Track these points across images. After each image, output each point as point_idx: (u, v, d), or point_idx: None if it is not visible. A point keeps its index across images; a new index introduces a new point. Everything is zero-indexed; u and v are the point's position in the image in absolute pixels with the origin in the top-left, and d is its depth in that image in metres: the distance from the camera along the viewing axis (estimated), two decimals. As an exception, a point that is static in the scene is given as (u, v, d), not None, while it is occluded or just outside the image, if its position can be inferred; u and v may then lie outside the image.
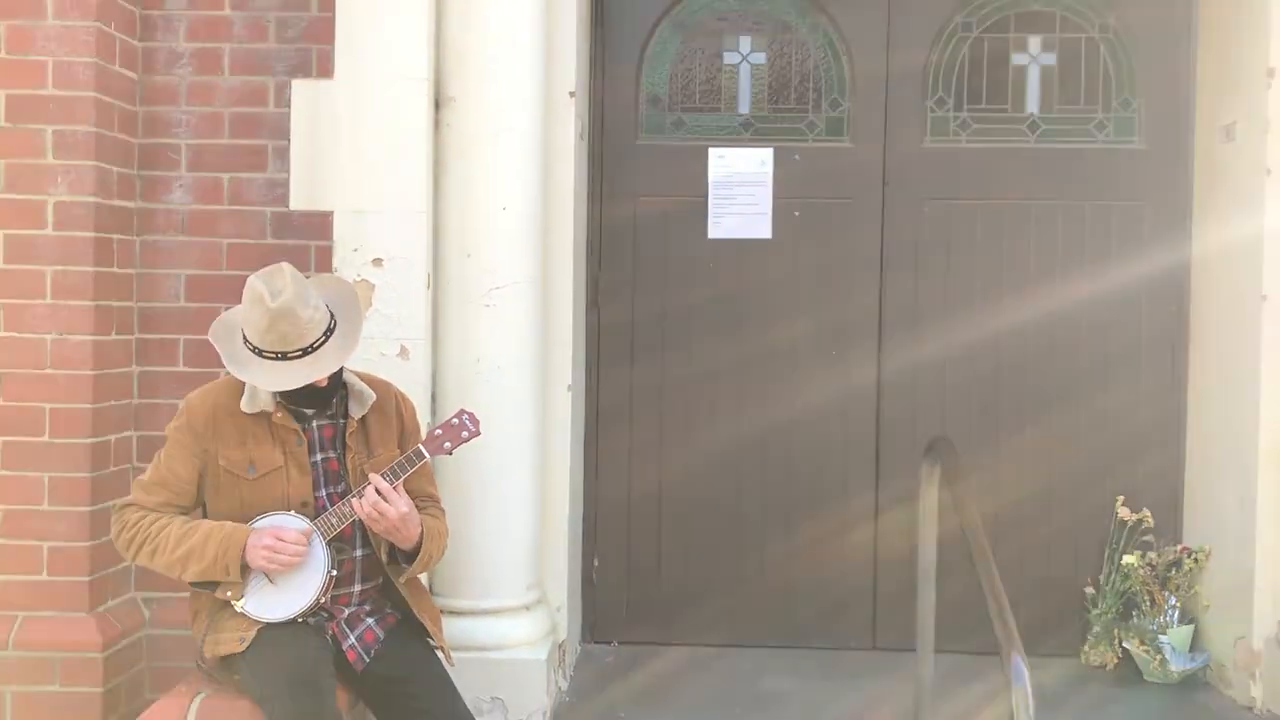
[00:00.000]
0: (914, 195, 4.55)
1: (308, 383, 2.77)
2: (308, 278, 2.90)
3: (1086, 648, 4.38)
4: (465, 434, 2.93)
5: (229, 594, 2.81)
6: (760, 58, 4.61)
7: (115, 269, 3.59)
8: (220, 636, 2.82)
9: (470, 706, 3.42)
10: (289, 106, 3.73)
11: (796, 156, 4.56)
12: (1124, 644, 4.30)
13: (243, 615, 2.81)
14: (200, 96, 3.75)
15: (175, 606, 3.66)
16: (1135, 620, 4.33)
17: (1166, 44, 4.50)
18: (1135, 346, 4.53)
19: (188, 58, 3.74)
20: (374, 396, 2.97)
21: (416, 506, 2.94)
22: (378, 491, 2.77)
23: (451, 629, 3.66)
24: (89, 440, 3.49)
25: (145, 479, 2.90)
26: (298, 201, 3.74)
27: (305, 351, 2.75)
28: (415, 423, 3.12)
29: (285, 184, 3.74)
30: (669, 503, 4.61)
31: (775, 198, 4.55)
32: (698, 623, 4.60)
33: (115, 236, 3.59)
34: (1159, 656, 4.20)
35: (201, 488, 2.90)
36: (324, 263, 3.70)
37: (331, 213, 3.71)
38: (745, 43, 4.61)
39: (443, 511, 3.12)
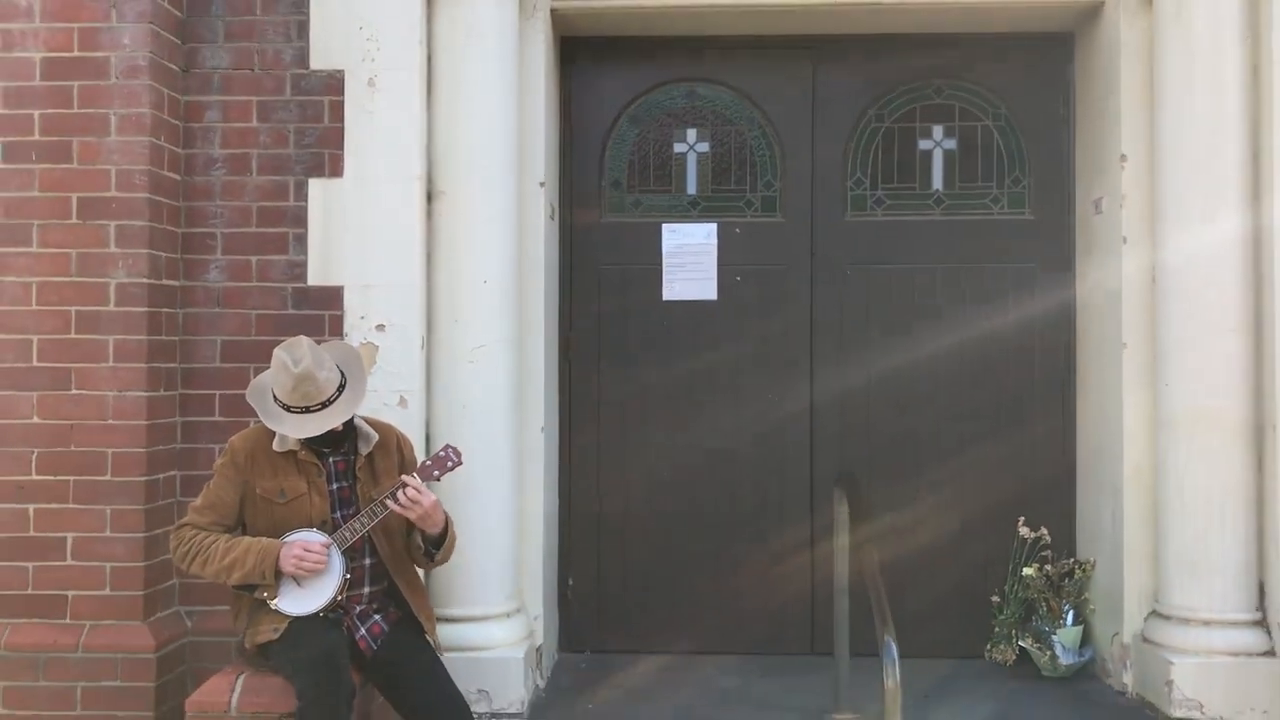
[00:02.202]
0: (838, 262, 5.27)
1: (326, 429, 3.51)
2: (320, 344, 3.66)
3: (989, 647, 5.04)
4: (450, 464, 3.66)
5: (265, 594, 3.54)
6: (705, 146, 5.36)
7: (164, 337, 4.32)
8: (258, 629, 3.54)
9: None
10: (306, 200, 4.45)
11: (737, 230, 5.30)
12: (1020, 643, 4.97)
13: (276, 611, 3.53)
14: (232, 193, 4.47)
15: (211, 617, 4.36)
16: (1034, 624, 5.01)
17: (1049, 131, 5.24)
18: (1031, 384, 5.22)
19: (222, 161, 4.48)
20: (377, 437, 3.72)
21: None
22: (414, 487, 3.50)
23: (445, 632, 4.38)
24: (143, 479, 4.19)
25: (198, 504, 3.65)
26: (314, 278, 4.45)
27: (324, 405, 3.50)
28: (413, 456, 3.87)
29: (303, 264, 4.45)
30: (634, 526, 5.28)
31: (720, 265, 5.27)
32: (661, 633, 5.26)
33: (164, 310, 4.33)
34: (1049, 653, 4.88)
35: (242, 511, 3.64)
36: (336, 329, 4.42)
37: (342, 287, 4.44)
38: (692, 134, 5.36)
39: None
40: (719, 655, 5.21)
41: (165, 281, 4.34)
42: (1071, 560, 5.06)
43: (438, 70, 4.51)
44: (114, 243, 4.20)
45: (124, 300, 4.20)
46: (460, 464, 3.68)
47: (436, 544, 3.67)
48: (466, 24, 4.48)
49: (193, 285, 4.48)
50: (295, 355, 3.49)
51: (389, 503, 3.51)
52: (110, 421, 4.20)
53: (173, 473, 4.39)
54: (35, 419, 4.20)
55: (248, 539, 3.57)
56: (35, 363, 4.20)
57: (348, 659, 3.47)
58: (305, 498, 3.61)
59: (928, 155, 5.33)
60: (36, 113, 4.21)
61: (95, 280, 4.20)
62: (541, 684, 4.78)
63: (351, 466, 3.69)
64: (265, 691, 3.43)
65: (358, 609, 3.67)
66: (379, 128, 4.44)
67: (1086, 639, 4.97)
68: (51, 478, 4.20)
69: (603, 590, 5.31)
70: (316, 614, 3.53)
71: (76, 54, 4.22)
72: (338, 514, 3.64)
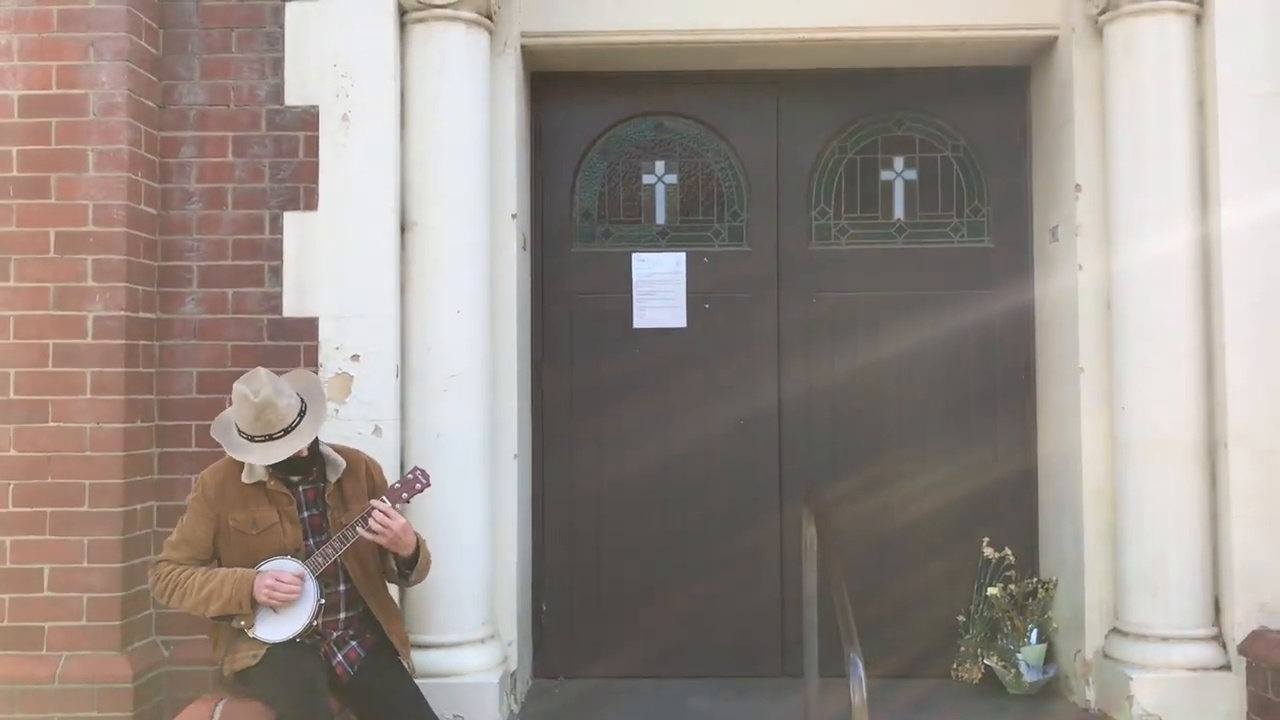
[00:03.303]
0: (803, 289, 5.39)
1: (291, 454, 3.58)
2: (280, 374, 3.73)
3: (955, 665, 5.14)
4: (419, 485, 3.74)
5: (242, 623, 3.60)
6: (673, 178, 5.49)
7: (141, 369, 4.37)
8: (236, 655, 3.59)
9: None
10: (282, 233, 4.52)
11: (705, 259, 5.42)
12: (986, 661, 5.07)
13: (254, 639, 3.59)
14: (208, 227, 4.53)
15: (188, 647, 4.39)
16: (999, 642, 5.11)
17: (1007, 162, 5.40)
18: (993, 408, 5.35)
19: (198, 196, 4.54)
20: (344, 464, 3.79)
21: (389, 546, 3.77)
22: (382, 511, 3.57)
23: (420, 658, 4.42)
24: (120, 509, 4.23)
25: (173, 540, 3.71)
26: (290, 310, 4.51)
27: (286, 431, 3.57)
28: (383, 479, 3.94)
29: (279, 296, 4.51)
30: (607, 552, 5.36)
31: (689, 293, 5.39)
32: (635, 658, 5.33)
33: (141, 343, 4.38)
34: (1014, 671, 4.98)
35: (216, 543, 3.70)
36: (311, 359, 4.49)
37: (317, 318, 4.51)
38: (660, 166, 5.49)
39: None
40: (693, 679, 5.27)
41: (142, 314, 4.39)
42: (1035, 579, 5.18)
43: (410, 104, 4.60)
44: (91, 277, 4.26)
45: (101, 333, 4.25)
46: (429, 485, 3.76)
47: (410, 564, 3.73)
48: (439, 60, 4.59)
49: (170, 318, 4.54)
50: (254, 386, 3.57)
51: (359, 529, 3.58)
52: (88, 453, 4.24)
53: (150, 503, 4.43)
54: (12, 451, 4.24)
55: (224, 570, 3.62)
56: (13, 395, 4.24)
57: (325, 681, 3.53)
58: (277, 527, 3.67)
59: (889, 185, 5.48)
60: (15, 149, 4.28)
61: (73, 314, 4.25)
62: (516, 709, 4.83)
63: (321, 494, 3.76)
64: (244, 717, 3.48)
65: (334, 634, 3.73)
66: (353, 161, 4.53)
67: (1050, 656, 5.07)
68: (29, 509, 4.23)
69: (576, 616, 5.37)
70: (293, 640, 3.59)
71: (55, 91, 4.29)
72: (310, 541, 3.70)
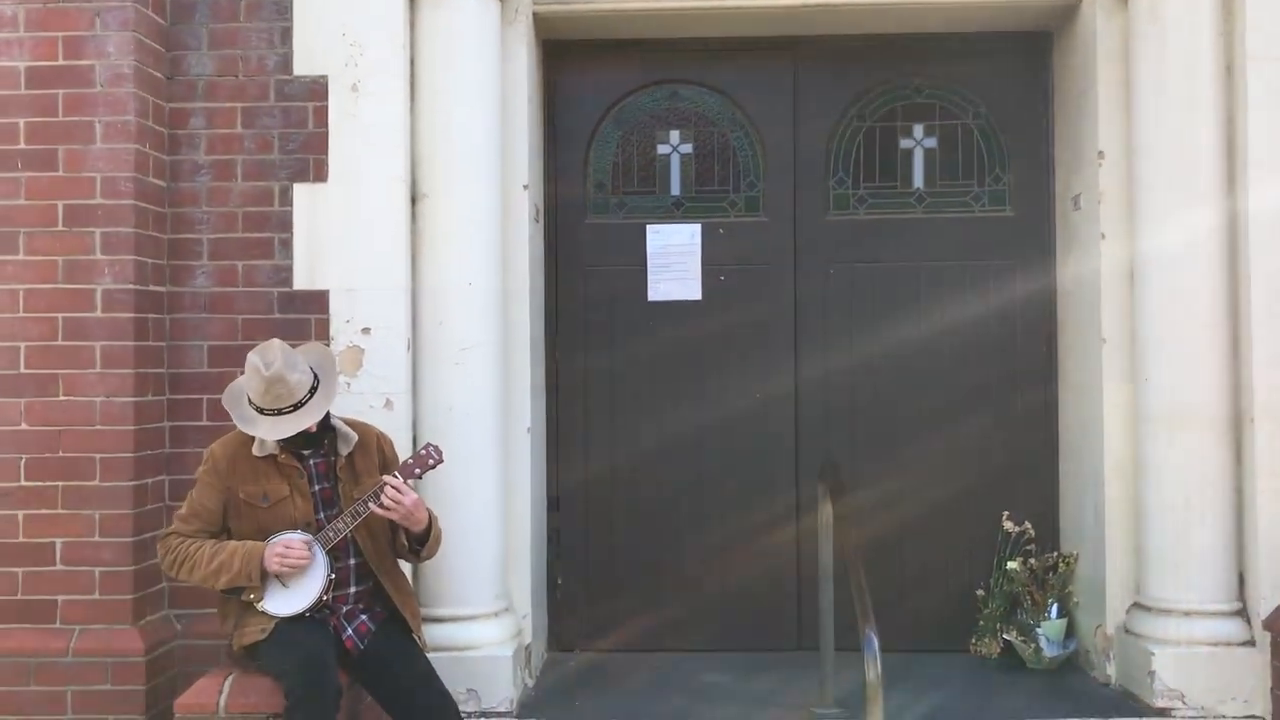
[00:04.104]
0: (821, 260, 5.32)
1: (300, 430, 3.55)
2: (295, 347, 3.69)
3: (974, 640, 5.09)
4: (431, 462, 3.70)
5: (252, 596, 3.57)
6: (688, 148, 5.41)
7: (150, 342, 4.35)
8: (245, 630, 3.58)
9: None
10: (291, 205, 4.48)
11: (721, 230, 5.35)
12: (1005, 636, 5.01)
13: (263, 613, 3.57)
14: (218, 199, 4.50)
15: (201, 620, 4.38)
16: (1019, 617, 5.06)
17: (1029, 129, 5.29)
18: (1013, 380, 5.27)
19: (207, 168, 4.50)
20: (356, 437, 3.76)
21: (400, 520, 3.73)
22: (394, 487, 3.53)
23: (434, 632, 4.42)
24: (131, 483, 4.22)
25: (182, 512, 3.69)
26: (300, 283, 4.48)
27: (296, 406, 3.54)
28: (395, 454, 3.91)
29: (289, 269, 4.48)
30: (622, 525, 5.32)
31: (704, 265, 5.32)
32: (651, 631, 5.30)
33: (151, 316, 4.35)
34: (1033, 645, 4.93)
35: (226, 516, 3.68)
36: (322, 332, 4.46)
37: (328, 291, 4.48)
38: (675, 135, 5.41)
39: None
40: (709, 653, 5.25)
41: (152, 287, 4.36)
42: (1055, 554, 5.11)
43: (420, 74, 4.55)
44: (100, 249, 4.23)
45: (110, 306, 4.23)
46: (441, 461, 3.72)
47: (422, 540, 3.70)
48: (448, 29, 4.52)
49: (180, 291, 4.51)
50: (267, 358, 3.53)
51: (371, 504, 3.54)
52: (98, 427, 4.22)
53: (161, 477, 4.42)
54: (24, 425, 4.23)
55: (233, 543, 3.60)
56: (23, 369, 4.23)
57: (334, 659, 3.50)
58: (288, 500, 3.64)
59: (909, 154, 5.38)
60: (22, 121, 4.25)
61: (82, 287, 4.23)
62: (530, 683, 4.81)
63: (332, 468, 3.73)
64: (253, 692, 3.46)
65: (344, 609, 3.70)
66: (363, 132, 4.48)
67: (1070, 631, 5.01)
68: (40, 483, 4.22)
69: (592, 589, 5.35)
70: (303, 614, 3.56)
71: (61, 63, 4.25)
72: (321, 515, 3.67)
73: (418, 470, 3.69)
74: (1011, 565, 5.07)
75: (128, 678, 4.15)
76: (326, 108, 4.49)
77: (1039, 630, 4.94)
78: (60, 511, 4.22)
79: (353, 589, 3.73)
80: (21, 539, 4.22)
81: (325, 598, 3.60)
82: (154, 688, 4.21)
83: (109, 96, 4.24)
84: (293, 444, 3.66)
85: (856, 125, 5.37)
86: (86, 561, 4.22)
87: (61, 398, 4.23)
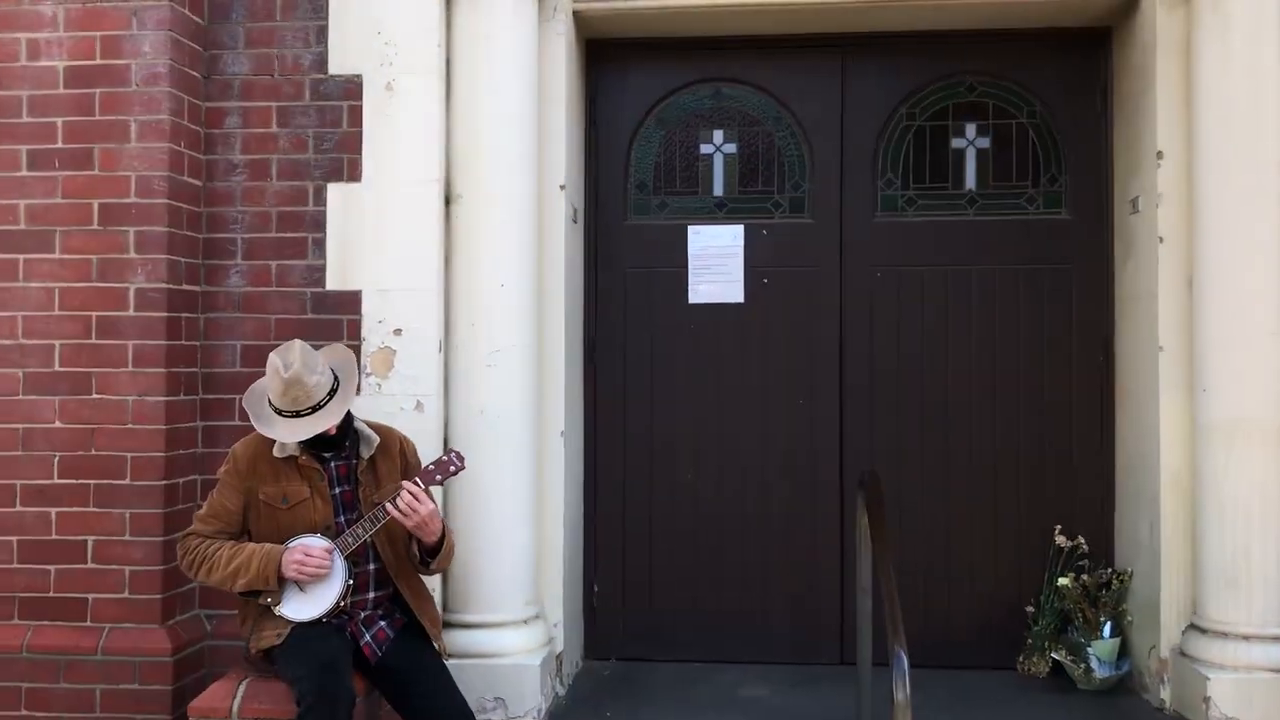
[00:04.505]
0: (867, 263, 5.17)
1: (317, 433, 3.50)
2: (317, 348, 3.65)
3: (1021, 658, 4.91)
4: (453, 468, 3.63)
5: (269, 600, 3.54)
6: (731, 147, 5.29)
7: (183, 341, 4.34)
8: (262, 634, 3.54)
9: (475, 705, 4.14)
10: (325, 205, 4.45)
11: (764, 231, 5.22)
12: (1054, 655, 4.83)
13: (280, 617, 3.53)
14: (252, 198, 4.49)
15: (232, 621, 4.34)
16: (1070, 635, 4.87)
17: (1086, 128, 5.09)
18: (1068, 389, 5.08)
19: (242, 167, 4.49)
20: (378, 440, 3.70)
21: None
22: (411, 494, 3.48)
23: (461, 638, 4.37)
24: (162, 482, 4.21)
25: (202, 513, 3.67)
26: (332, 283, 4.45)
27: (314, 409, 3.49)
28: (417, 459, 3.84)
29: (322, 269, 4.45)
30: (661, 532, 5.22)
31: (747, 267, 5.20)
32: (688, 641, 5.20)
33: (184, 315, 4.35)
34: (1083, 666, 4.74)
35: (246, 517, 3.64)
36: (354, 333, 4.42)
37: (360, 291, 4.45)
38: (718, 135, 5.30)
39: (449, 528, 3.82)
40: (747, 665, 5.12)
41: (185, 287, 4.36)
42: (1109, 570, 4.92)
43: (456, 74, 4.50)
44: (133, 248, 4.24)
45: (143, 305, 4.23)
46: (463, 468, 3.65)
47: (433, 552, 3.63)
48: (484, 28, 4.46)
49: (214, 290, 4.50)
50: (287, 359, 3.50)
51: (387, 506, 3.48)
52: (130, 426, 4.23)
53: (193, 477, 4.41)
54: (57, 423, 4.24)
55: (252, 545, 3.57)
56: (57, 367, 4.25)
57: (349, 665, 3.45)
58: (308, 502, 3.60)
59: (960, 154, 5.22)
60: (60, 120, 4.27)
61: (115, 285, 4.24)
62: (562, 691, 4.73)
63: (353, 470, 3.68)
64: (267, 697, 3.42)
65: (362, 614, 3.65)
66: (397, 132, 4.44)
67: (1124, 652, 4.81)
68: (73, 481, 4.24)
69: (629, 597, 5.25)
70: (320, 620, 3.52)
71: (99, 62, 4.26)
72: (341, 518, 3.63)
73: (439, 476, 3.62)
74: (1063, 581, 4.89)
75: (155, 677, 4.15)
76: (361, 107, 4.46)
77: (1090, 650, 4.75)
78: (92, 510, 4.23)
79: (371, 594, 3.68)
80: (54, 536, 4.24)
81: (343, 604, 3.54)
82: (181, 688, 4.20)
83: (144, 95, 4.24)
84: (314, 446, 3.62)
85: (906, 125, 5.21)
86: (117, 560, 4.22)
87: (94, 396, 4.24)
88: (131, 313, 4.23)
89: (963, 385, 5.13)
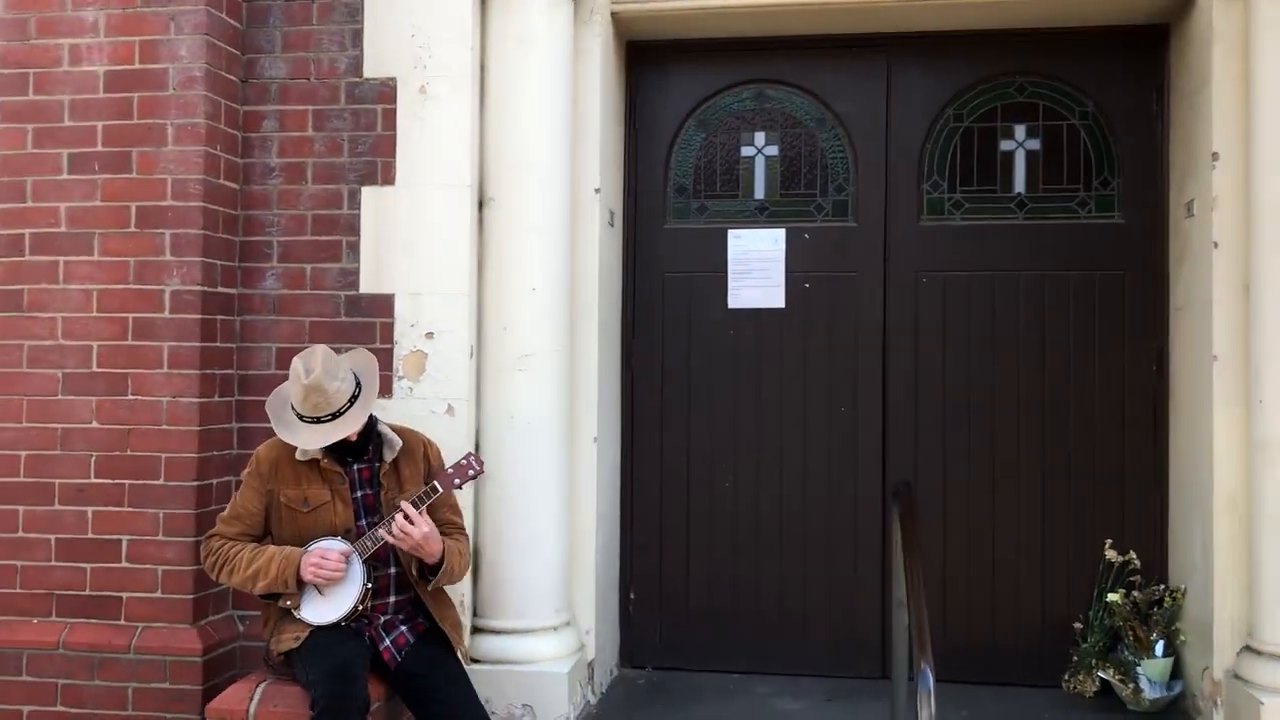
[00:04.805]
0: (911, 268, 5.04)
1: (335, 441, 3.49)
2: (341, 353, 3.64)
3: (1067, 676, 4.75)
4: (471, 472, 3.61)
5: (288, 603, 3.54)
6: (773, 150, 5.20)
7: (218, 344, 4.37)
8: (282, 637, 3.54)
9: (504, 712, 4.15)
10: (359, 209, 4.45)
11: (806, 235, 5.13)
12: (1100, 674, 4.66)
13: (299, 620, 3.52)
14: (288, 201, 4.50)
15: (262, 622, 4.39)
16: (1119, 653, 4.70)
17: (1141, 129, 4.92)
18: (1120, 399, 4.90)
19: (279, 170, 4.51)
20: (400, 444, 3.68)
21: (442, 531, 3.65)
22: (405, 516, 3.46)
23: (490, 644, 4.35)
24: (194, 483, 4.24)
25: (225, 514, 3.68)
26: (366, 286, 4.45)
27: (334, 416, 3.48)
28: (441, 462, 3.82)
29: (356, 272, 4.45)
30: (699, 540, 5.14)
31: (788, 272, 5.10)
32: (726, 651, 5.12)
33: (219, 317, 4.38)
34: (1132, 685, 4.57)
35: (268, 520, 3.65)
36: (387, 336, 4.41)
37: (393, 295, 4.43)
38: (760, 137, 5.21)
39: (465, 536, 3.80)
40: (785, 676, 5.04)
41: (221, 289, 4.39)
42: (1162, 587, 4.75)
43: (489, 77, 4.48)
44: (169, 251, 4.27)
45: (178, 307, 4.26)
46: (481, 472, 3.62)
47: (433, 571, 3.60)
48: (517, 31, 4.44)
49: (250, 292, 4.52)
50: (309, 365, 3.50)
51: (380, 531, 3.46)
52: (164, 427, 4.26)
53: (226, 478, 4.42)
54: (94, 423, 4.29)
55: (272, 548, 3.57)
56: (95, 368, 4.30)
57: (364, 670, 3.44)
58: (329, 506, 3.59)
59: (1009, 156, 5.07)
60: (99, 124, 4.32)
61: (151, 288, 4.27)
62: (594, 700, 4.68)
63: (376, 474, 3.67)
64: (283, 700, 3.42)
65: (382, 619, 3.64)
66: (430, 135, 4.43)
67: (1177, 672, 4.63)
68: (109, 481, 4.28)
69: (665, 605, 5.19)
70: (338, 623, 3.51)
71: (137, 66, 4.31)
72: (362, 522, 3.62)
73: (457, 480, 3.60)
74: (1112, 597, 4.72)
75: (185, 677, 4.17)
76: (395, 110, 4.45)
77: (1139, 669, 4.58)
78: (127, 509, 4.27)
79: (392, 598, 3.66)
80: (90, 535, 4.29)
81: (361, 607, 3.53)
82: (211, 688, 4.20)
83: (180, 99, 4.28)
84: (336, 449, 3.62)
85: (953, 126, 5.09)
86: (150, 559, 4.25)
87: (130, 397, 4.28)
88: (167, 315, 4.27)
89: (1010, 395, 4.99)
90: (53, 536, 4.30)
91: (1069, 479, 4.95)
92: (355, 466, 3.65)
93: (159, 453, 4.26)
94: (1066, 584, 4.92)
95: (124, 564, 4.27)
